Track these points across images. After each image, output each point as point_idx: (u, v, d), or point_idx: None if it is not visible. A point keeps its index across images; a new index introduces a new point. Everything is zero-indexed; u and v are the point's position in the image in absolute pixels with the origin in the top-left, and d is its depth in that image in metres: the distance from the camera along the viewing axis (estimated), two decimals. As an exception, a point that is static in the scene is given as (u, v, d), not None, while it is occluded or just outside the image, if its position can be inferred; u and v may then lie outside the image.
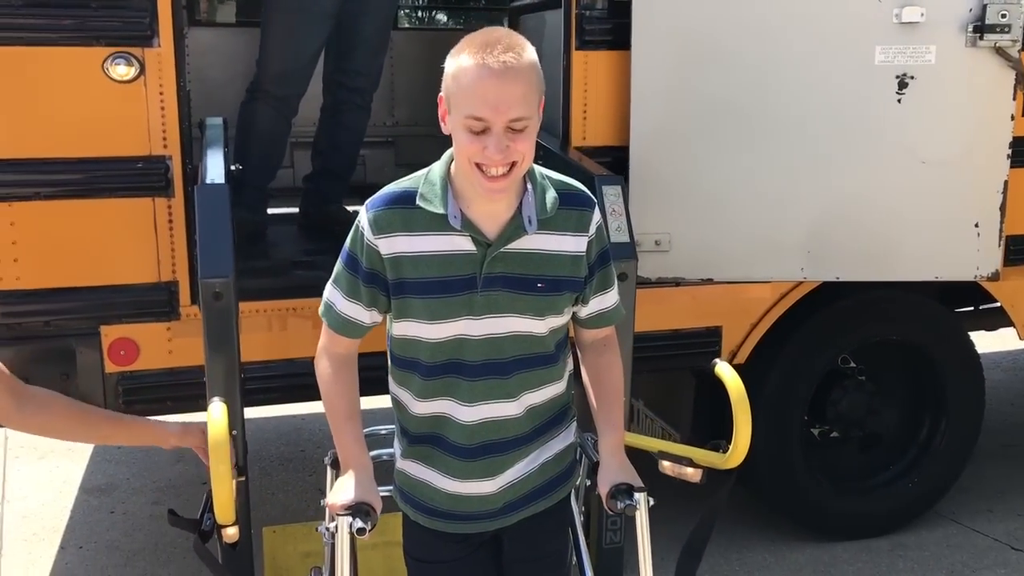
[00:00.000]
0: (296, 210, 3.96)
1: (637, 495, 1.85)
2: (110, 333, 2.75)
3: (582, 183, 2.84)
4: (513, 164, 1.72)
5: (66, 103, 2.62)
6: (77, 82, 2.61)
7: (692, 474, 2.00)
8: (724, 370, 1.89)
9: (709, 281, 3.23)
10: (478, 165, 1.71)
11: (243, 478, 2.42)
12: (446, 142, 1.78)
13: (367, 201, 1.85)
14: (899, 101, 3.14)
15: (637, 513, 1.86)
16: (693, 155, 3.12)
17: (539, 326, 1.86)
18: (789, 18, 3.07)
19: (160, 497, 4.26)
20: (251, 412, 5.68)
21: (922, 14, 3.05)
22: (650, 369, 3.43)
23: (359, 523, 1.74)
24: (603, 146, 3.16)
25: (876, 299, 3.66)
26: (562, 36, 3.10)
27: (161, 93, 2.68)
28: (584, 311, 1.96)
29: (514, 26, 3.87)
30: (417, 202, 1.79)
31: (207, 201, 2.49)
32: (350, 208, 3.89)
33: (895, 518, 3.93)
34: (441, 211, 1.78)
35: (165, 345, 2.80)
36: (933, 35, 3.09)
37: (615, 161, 3.14)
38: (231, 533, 1.77)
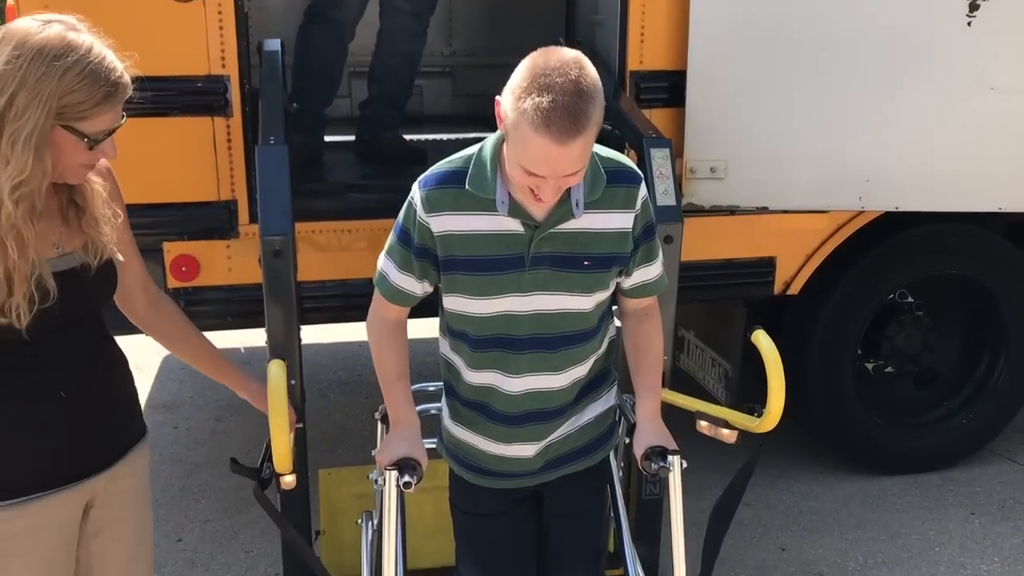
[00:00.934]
0: (353, 138, 3.98)
1: (671, 457, 1.91)
2: (172, 250, 2.82)
3: (631, 141, 2.84)
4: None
5: (127, 22, 2.65)
6: (137, 1, 2.65)
7: (727, 435, 2.04)
8: (762, 339, 1.91)
9: (764, 210, 3.18)
10: (530, 188, 1.73)
11: (300, 425, 2.52)
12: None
13: (420, 178, 1.88)
14: (969, 24, 3.02)
15: (670, 475, 1.92)
16: (751, 80, 3.05)
17: (586, 302, 1.89)
18: (855, -63, 2.96)
19: (222, 414, 4.41)
20: (310, 337, 5.82)
21: (997, -69, 2.92)
22: (701, 299, 3.43)
23: (405, 477, 1.83)
24: (660, 70, 3.10)
25: (937, 232, 3.58)
26: (620, -43, 3.04)
27: (219, 13, 2.70)
28: (627, 282, 1.98)
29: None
30: (467, 186, 1.82)
31: (267, 162, 2.52)
32: (407, 137, 3.90)
33: (947, 454, 3.90)
34: (489, 196, 1.80)
35: (225, 263, 2.87)
36: (1008, -47, 2.96)
37: (671, 86, 3.09)
38: (288, 481, 1.85)
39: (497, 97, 1.72)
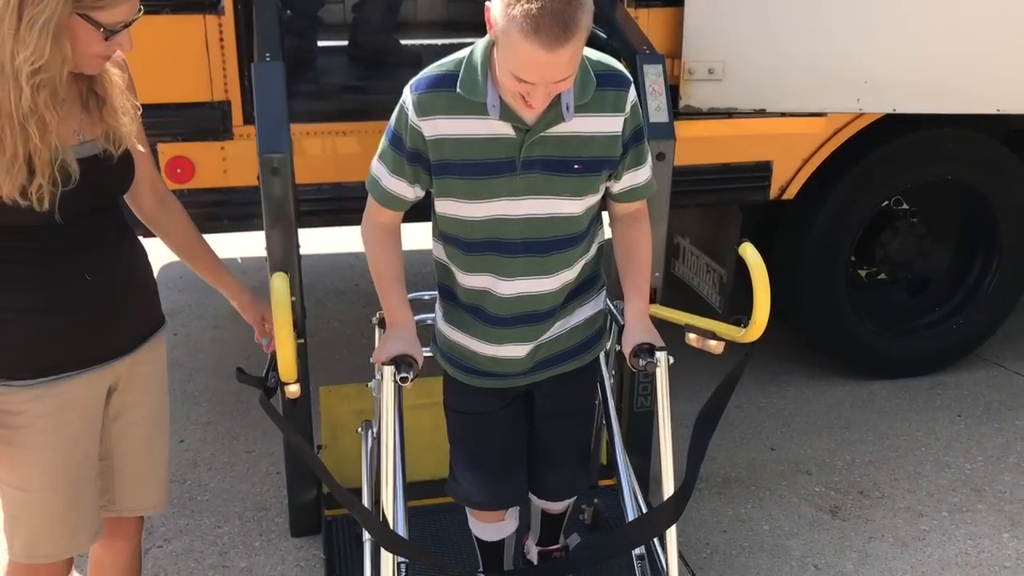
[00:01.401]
0: (346, 43, 3.93)
1: (658, 354, 1.95)
2: (167, 151, 2.81)
3: (625, 55, 2.79)
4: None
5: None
6: None
7: (714, 346, 2.06)
8: (748, 251, 1.93)
9: (762, 112, 3.17)
10: (520, 94, 1.72)
11: (302, 340, 2.55)
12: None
13: (411, 82, 1.87)
14: (973, -81, 2.97)
15: (657, 370, 1.96)
16: (751, -22, 3.00)
17: (576, 206, 1.91)
18: None
19: (220, 322, 4.45)
20: (307, 248, 5.83)
21: None
22: (698, 203, 3.42)
23: (402, 373, 1.87)
24: (658, -31, 3.05)
25: (935, 137, 3.57)
26: None
27: (209, -94, 2.64)
28: (616, 187, 1.99)
29: None
30: (458, 89, 1.81)
31: (264, 79, 2.49)
32: (403, 41, 3.85)
33: (937, 359, 3.96)
34: (481, 100, 1.79)
35: (219, 164, 2.86)
36: None
37: (671, -15, 3.04)
38: (293, 390, 1.88)
39: (487, 3, 1.70)
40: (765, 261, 1.99)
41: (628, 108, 1.89)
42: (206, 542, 2.90)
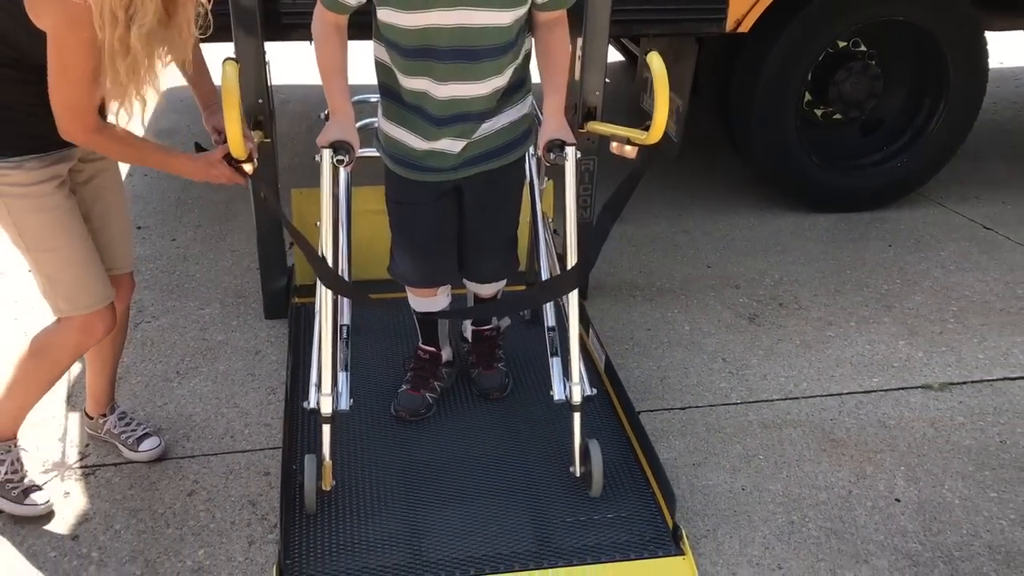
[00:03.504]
0: None
1: (567, 148, 2.21)
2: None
3: None
4: None
5: None
6: None
7: (629, 151, 2.29)
8: (653, 59, 2.13)
9: (716, -60, 3.30)
10: None
11: (268, 140, 2.78)
12: None
13: None
14: None
15: (567, 164, 2.22)
16: None
17: (506, 17, 2.09)
18: None
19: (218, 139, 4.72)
20: (302, 79, 6.04)
21: None
22: (656, 33, 3.59)
23: (339, 156, 2.14)
24: None
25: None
26: None
27: None
28: None
29: None
30: None
31: None
32: None
33: (880, 196, 4.19)
34: None
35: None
36: None
37: None
38: (247, 169, 2.14)
39: None
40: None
41: None
42: (189, 320, 3.26)
